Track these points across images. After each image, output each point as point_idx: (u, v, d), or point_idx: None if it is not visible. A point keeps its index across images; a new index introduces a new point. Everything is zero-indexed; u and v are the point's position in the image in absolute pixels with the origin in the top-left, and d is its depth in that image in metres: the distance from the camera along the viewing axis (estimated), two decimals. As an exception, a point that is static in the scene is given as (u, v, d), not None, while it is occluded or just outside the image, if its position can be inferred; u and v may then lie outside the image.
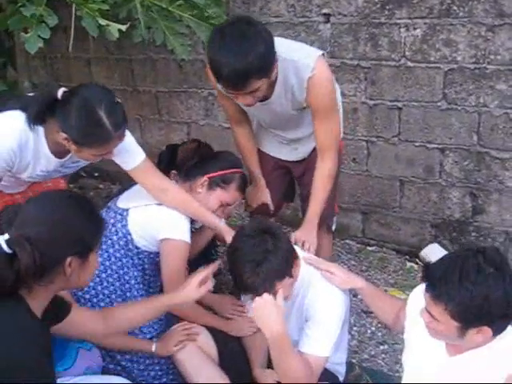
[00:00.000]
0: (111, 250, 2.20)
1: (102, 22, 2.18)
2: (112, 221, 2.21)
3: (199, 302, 2.21)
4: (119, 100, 1.92)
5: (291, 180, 2.67)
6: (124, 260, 2.20)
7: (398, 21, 2.90)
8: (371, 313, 2.80)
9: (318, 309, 1.90)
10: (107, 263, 2.19)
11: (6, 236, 1.38)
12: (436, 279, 1.47)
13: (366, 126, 3.22)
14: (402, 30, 2.91)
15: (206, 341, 2.19)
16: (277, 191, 2.59)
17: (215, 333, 2.23)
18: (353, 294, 2.73)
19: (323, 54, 2.14)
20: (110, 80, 4.10)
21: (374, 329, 2.75)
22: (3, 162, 1.91)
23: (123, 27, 2.21)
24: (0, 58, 2.71)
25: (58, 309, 1.63)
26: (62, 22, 2.22)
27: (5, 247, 1.35)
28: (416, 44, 2.90)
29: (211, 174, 2.26)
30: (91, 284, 2.14)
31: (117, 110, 1.90)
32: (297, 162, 2.52)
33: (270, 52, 1.92)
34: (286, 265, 1.82)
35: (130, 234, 2.17)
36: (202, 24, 2.49)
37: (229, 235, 2.06)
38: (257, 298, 1.77)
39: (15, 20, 2.12)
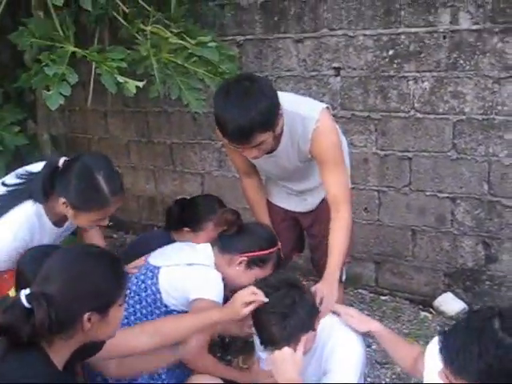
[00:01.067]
0: (138, 306, 2.20)
1: (120, 79, 2.27)
2: (142, 277, 2.22)
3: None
4: (118, 169, 2.01)
5: (301, 230, 2.69)
6: (150, 317, 2.20)
7: (407, 74, 2.98)
8: (386, 364, 2.77)
9: (336, 362, 1.90)
10: (132, 318, 2.19)
11: (28, 291, 1.42)
12: (454, 354, 1.43)
13: (377, 176, 3.26)
14: (411, 82, 2.98)
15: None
16: (287, 242, 2.59)
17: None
18: (367, 344, 2.72)
19: (327, 107, 2.20)
20: (126, 131, 4.21)
21: (388, 380, 2.72)
22: (15, 253, 1.99)
23: (140, 84, 2.29)
24: (22, 112, 2.79)
25: (89, 347, 1.63)
26: (81, 78, 2.31)
27: (24, 302, 1.39)
28: (425, 96, 2.97)
29: (251, 254, 2.25)
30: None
31: (115, 177, 1.99)
32: (305, 213, 2.54)
33: (273, 106, 1.98)
34: (311, 318, 1.83)
35: (159, 293, 2.17)
36: (216, 79, 2.58)
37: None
38: (276, 351, 1.77)
39: (39, 79, 2.21)
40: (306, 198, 2.49)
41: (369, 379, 2.70)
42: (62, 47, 2.29)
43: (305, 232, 2.69)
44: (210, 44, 2.46)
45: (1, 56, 2.97)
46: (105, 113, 4.27)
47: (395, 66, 3.00)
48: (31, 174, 2.09)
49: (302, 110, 2.13)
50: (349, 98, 3.19)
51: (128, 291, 2.18)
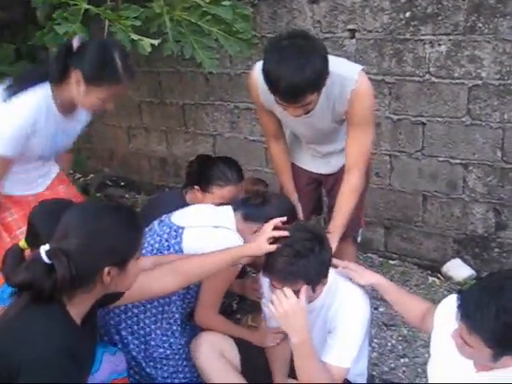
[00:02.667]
0: None
1: (135, 37, 2.26)
2: (166, 236, 2.23)
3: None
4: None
5: (320, 193, 2.72)
6: None
7: (423, 37, 2.93)
8: (392, 325, 2.82)
9: (341, 321, 1.94)
10: None
11: (47, 247, 1.44)
12: (471, 311, 1.45)
13: (389, 141, 3.24)
14: (427, 46, 2.94)
15: (230, 349, 2.22)
16: (308, 205, 2.63)
17: (239, 342, 2.27)
18: (374, 306, 2.76)
19: (363, 69, 2.18)
20: (138, 92, 4.19)
21: (394, 342, 2.76)
22: (21, 138, 2.04)
23: (155, 42, 2.28)
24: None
25: (109, 296, 1.66)
26: (93, 37, 2.29)
27: (44, 258, 1.42)
28: (440, 60, 2.93)
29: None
30: None
31: (128, 59, 2.08)
32: (328, 174, 2.56)
33: (326, 67, 1.96)
34: (318, 275, 1.85)
35: (182, 252, 2.18)
36: (230, 38, 2.55)
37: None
38: (284, 303, 1.79)
39: (51, 37, 2.20)
40: (330, 160, 2.50)
41: (375, 340, 2.75)
42: (75, 4, 2.27)
43: (324, 194, 2.70)
44: (224, 2, 2.42)
45: (13, 13, 2.94)
46: (117, 72, 4.24)
47: (411, 28, 2.95)
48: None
49: (340, 70, 2.10)
50: (363, 60, 3.15)
51: (150, 248, 2.22)
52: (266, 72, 1.96)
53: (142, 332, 2.22)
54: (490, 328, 1.43)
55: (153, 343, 2.23)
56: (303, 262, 1.80)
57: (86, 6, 2.27)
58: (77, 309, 1.50)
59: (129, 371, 2.18)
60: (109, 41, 2.11)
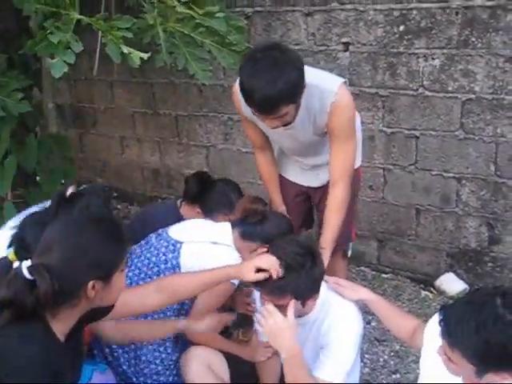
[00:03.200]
0: (155, 277, 2.19)
1: (125, 49, 2.23)
2: (163, 250, 2.21)
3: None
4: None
5: (310, 207, 2.70)
6: None
7: (417, 51, 2.94)
8: (384, 341, 2.79)
9: (334, 336, 1.91)
10: None
11: (29, 262, 1.41)
12: (452, 327, 1.43)
13: (383, 154, 3.24)
14: (421, 59, 2.94)
15: (220, 364, 2.20)
16: (297, 218, 2.60)
17: (229, 357, 2.25)
18: (366, 321, 2.73)
19: (345, 82, 2.18)
20: (132, 102, 4.19)
21: (386, 357, 2.74)
22: None
23: (145, 55, 2.25)
24: (27, 80, 2.77)
25: (97, 312, 1.63)
26: (87, 46, 2.28)
27: (26, 274, 1.38)
28: (434, 74, 2.93)
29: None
30: None
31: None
32: (317, 187, 2.55)
33: (300, 79, 1.96)
34: (306, 291, 1.84)
35: (179, 267, 2.18)
36: (223, 50, 2.53)
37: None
38: (269, 320, 1.77)
39: (43, 46, 2.18)
40: (318, 173, 2.49)
41: (367, 356, 2.72)
42: (67, 14, 2.25)
43: (314, 207, 2.69)
44: (218, 14, 2.41)
45: (6, 22, 2.93)
46: (111, 83, 4.24)
47: (405, 42, 2.96)
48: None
49: (320, 82, 2.11)
50: (357, 73, 3.15)
51: (147, 261, 2.21)
52: (240, 84, 1.98)
53: (133, 346, 2.20)
54: (470, 344, 1.40)
55: (144, 358, 2.21)
56: (293, 276, 1.78)
57: (77, 15, 2.25)
58: (61, 324, 1.47)
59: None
60: (96, 191, 2.10)
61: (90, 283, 1.44)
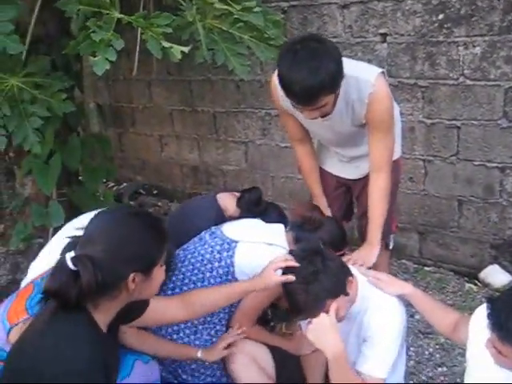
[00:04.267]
0: (208, 274, 2.20)
1: (166, 44, 2.27)
2: (218, 248, 2.22)
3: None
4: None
5: (351, 199, 2.69)
6: None
7: (457, 39, 2.89)
8: (429, 333, 2.76)
9: (375, 330, 1.89)
10: (199, 284, 2.20)
11: (72, 253, 1.44)
12: (502, 320, 1.42)
13: (423, 145, 3.19)
14: (461, 48, 2.89)
15: (265, 357, 2.22)
16: (337, 210, 2.61)
17: (274, 350, 2.25)
18: (410, 314, 2.70)
19: (383, 72, 2.17)
20: (170, 100, 4.23)
21: (431, 350, 2.70)
22: None
23: (186, 49, 2.28)
24: (69, 81, 2.83)
25: (134, 309, 1.67)
26: (125, 47, 2.31)
27: (70, 264, 1.42)
28: (475, 62, 2.87)
29: None
30: None
31: None
32: (356, 179, 2.54)
33: (339, 69, 1.97)
34: (338, 283, 1.82)
35: (233, 266, 2.18)
36: (261, 45, 2.54)
37: None
38: (313, 321, 1.78)
39: (85, 45, 2.23)
40: (357, 165, 2.48)
41: (412, 349, 2.70)
42: (108, 14, 2.29)
43: (354, 200, 2.68)
44: (255, 9, 2.42)
45: (48, 26, 3.00)
46: (149, 82, 4.29)
47: (445, 30, 2.91)
48: None
49: (358, 73, 2.11)
50: (395, 64, 3.12)
51: (201, 258, 2.23)
52: (280, 76, 1.98)
53: (180, 342, 2.21)
54: None
55: None
56: (316, 286, 1.77)
57: (118, 14, 2.29)
58: (102, 316, 1.50)
59: (162, 378, 2.18)
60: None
61: (131, 275, 1.47)
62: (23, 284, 2.16)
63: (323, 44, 1.97)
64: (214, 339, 2.24)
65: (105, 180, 4.31)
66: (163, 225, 1.63)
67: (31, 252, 3.06)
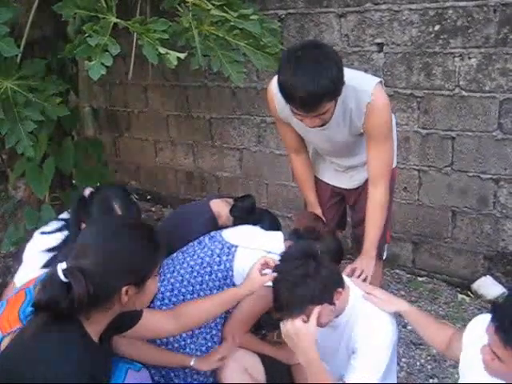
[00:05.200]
0: (207, 277, 2.21)
1: (162, 50, 2.26)
2: (218, 251, 2.23)
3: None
4: (135, 200, 2.28)
5: (344, 208, 2.69)
6: (215, 291, 2.20)
7: (453, 50, 2.89)
8: (420, 344, 2.75)
9: (365, 341, 1.87)
10: (198, 287, 2.20)
11: (64, 265, 1.42)
12: (508, 323, 1.41)
13: (418, 155, 3.20)
14: (457, 59, 2.90)
15: (256, 366, 2.20)
16: (332, 219, 2.60)
17: (265, 359, 2.24)
18: (402, 324, 2.70)
19: (381, 82, 2.16)
20: (165, 106, 4.23)
21: (423, 361, 2.69)
22: None
23: (182, 55, 2.28)
24: (64, 84, 2.82)
25: (127, 319, 1.66)
26: (121, 51, 2.31)
27: (61, 276, 1.40)
28: (471, 73, 2.88)
29: None
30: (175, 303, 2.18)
31: (131, 207, 2.17)
32: (351, 189, 2.53)
33: (341, 74, 1.96)
34: (324, 292, 1.81)
35: (232, 271, 2.19)
36: (257, 52, 2.54)
37: None
38: (288, 325, 1.77)
39: (82, 49, 2.22)
40: (352, 175, 2.47)
41: (403, 360, 2.69)
42: (104, 18, 2.29)
43: (348, 209, 2.67)
44: (252, 17, 2.42)
45: (44, 28, 2.99)
46: (145, 87, 4.29)
47: (441, 41, 2.92)
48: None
49: (355, 83, 2.10)
50: (391, 74, 3.13)
51: (200, 261, 2.22)
52: (282, 83, 1.96)
53: (176, 345, 2.19)
54: None
55: None
56: (302, 289, 1.75)
57: (114, 19, 2.29)
58: (94, 327, 1.48)
59: (154, 381, 2.16)
60: (112, 190, 2.22)
61: (124, 288, 1.46)
62: (11, 289, 2.15)
63: (324, 50, 1.97)
64: (209, 343, 2.24)
65: (98, 184, 4.29)
66: (158, 236, 1.60)
67: (22, 255, 3.04)
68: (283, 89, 1.97)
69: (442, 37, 2.91)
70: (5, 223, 3.29)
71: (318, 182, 2.58)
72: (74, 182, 3.39)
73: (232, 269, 2.19)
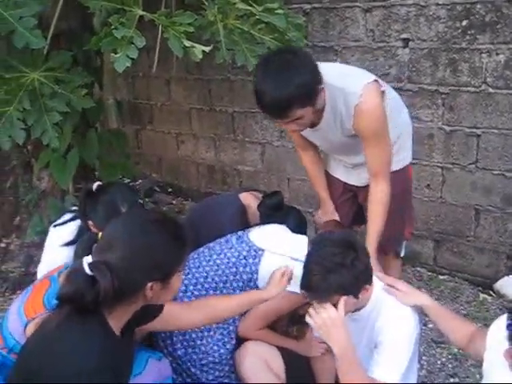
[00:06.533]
0: (231, 277, 2.22)
1: (187, 43, 2.27)
2: (245, 253, 2.24)
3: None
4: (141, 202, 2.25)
5: (359, 204, 2.66)
6: (237, 291, 2.22)
7: (480, 46, 2.86)
8: (441, 343, 2.73)
9: (388, 335, 1.86)
10: (221, 285, 2.22)
11: (90, 259, 1.42)
12: None
13: (441, 153, 3.16)
14: (484, 55, 2.86)
15: (275, 359, 2.20)
16: (346, 215, 2.59)
17: (284, 352, 2.24)
18: (423, 322, 2.68)
19: (375, 80, 2.12)
20: (188, 99, 4.24)
21: (444, 360, 2.67)
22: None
23: (207, 49, 2.28)
24: (89, 76, 2.84)
25: (149, 311, 1.67)
26: (146, 44, 2.32)
27: (87, 270, 1.39)
28: (498, 70, 2.84)
29: None
30: None
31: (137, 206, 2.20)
32: (362, 186, 2.50)
33: (313, 81, 1.94)
34: (354, 285, 1.80)
35: (257, 273, 2.20)
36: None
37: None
38: (322, 313, 1.76)
39: (107, 41, 2.24)
40: (360, 173, 2.44)
41: (424, 358, 2.67)
42: (130, 11, 2.30)
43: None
44: (277, 11, 2.42)
45: (70, 21, 3.01)
46: (168, 80, 4.30)
47: (468, 37, 2.88)
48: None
49: (345, 84, 2.07)
50: (417, 70, 3.09)
51: (227, 260, 2.24)
52: (254, 89, 1.96)
53: (193, 335, 2.21)
54: None
55: (203, 349, 2.22)
56: (334, 277, 1.75)
57: (140, 11, 2.30)
58: (117, 321, 1.48)
59: (172, 370, 2.18)
60: (118, 192, 2.21)
61: (149, 284, 1.45)
62: (39, 274, 2.21)
63: (298, 56, 1.94)
64: (225, 339, 2.25)
65: (121, 176, 4.33)
66: (185, 232, 1.58)
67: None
68: (255, 94, 1.96)
69: (469, 32, 2.87)
70: (29, 213, 3.32)
71: (330, 177, 2.57)
72: (96, 173, 3.42)
73: (257, 272, 2.20)
